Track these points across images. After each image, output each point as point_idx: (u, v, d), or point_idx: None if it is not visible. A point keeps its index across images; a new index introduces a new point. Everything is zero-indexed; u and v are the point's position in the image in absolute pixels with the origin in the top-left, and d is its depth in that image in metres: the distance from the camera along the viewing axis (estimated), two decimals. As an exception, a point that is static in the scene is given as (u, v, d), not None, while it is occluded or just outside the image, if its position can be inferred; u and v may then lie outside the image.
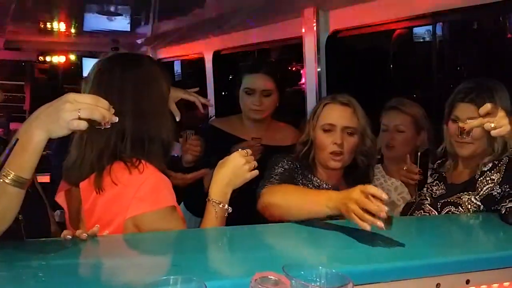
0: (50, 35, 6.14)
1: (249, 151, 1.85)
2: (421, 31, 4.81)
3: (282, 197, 1.90)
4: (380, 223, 1.52)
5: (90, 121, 1.39)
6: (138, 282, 0.96)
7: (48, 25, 5.61)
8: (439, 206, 2.11)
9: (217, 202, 1.80)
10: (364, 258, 1.42)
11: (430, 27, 4.28)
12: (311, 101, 3.70)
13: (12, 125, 8.14)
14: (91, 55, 7.54)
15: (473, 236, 1.78)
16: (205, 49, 5.49)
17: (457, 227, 1.96)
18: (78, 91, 1.87)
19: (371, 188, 1.59)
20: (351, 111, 2.20)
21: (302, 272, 1.05)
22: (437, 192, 2.20)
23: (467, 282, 1.40)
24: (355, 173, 2.24)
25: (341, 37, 3.73)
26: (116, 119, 1.45)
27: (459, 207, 2.05)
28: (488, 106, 1.83)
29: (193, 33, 5.45)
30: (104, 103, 1.42)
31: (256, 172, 1.85)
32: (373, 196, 1.56)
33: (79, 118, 1.37)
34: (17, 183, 1.39)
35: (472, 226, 2.00)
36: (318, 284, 1.05)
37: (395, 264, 1.37)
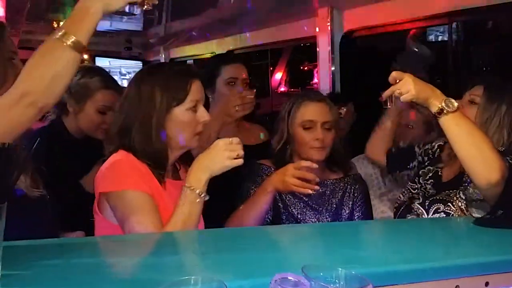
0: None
1: (235, 139, 1.78)
2: (436, 31, 4.77)
3: (237, 220, 2.15)
4: (316, 187, 2.04)
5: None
6: (158, 281, 0.95)
7: (62, 24, 5.66)
8: (427, 203, 2.06)
9: (187, 186, 1.75)
10: (383, 260, 1.41)
11: (445, 27, 4.25)
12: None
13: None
14: (104, 54, 7.61)
15: (491, 238, 1.75)
16: (218, 49, 5.50)
17: (474, 229, 1.92)
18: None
19: (303, 162, 2.08)
20: (328, 106, 2.30)
21: (321, 273, 1.04)
22: (430, 191, 2.14)
23: (486, 284, 1.38)
24: (337, 163, 2.36)
25: (355, 36, 3.72)
26: (156, 1, 1.56)
27: (449, 204, 1.99)
28: (393, 74, 1.83)
29: (206, 33, 5.47)
30: None
31: (239, 161, 1.76)
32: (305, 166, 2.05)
33: None
34: (76, 47, 1.45)
35: (489, 228, 1.96)
36: (337, 285, 1.04)
37: (414, 266, 1.35)
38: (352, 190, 2.35)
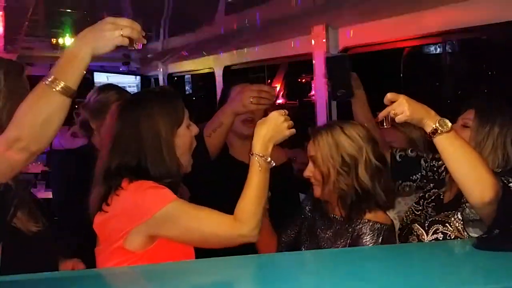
0: (62, 50, 6.19)
1: (286, 111, 1.94)
2: (432, 49, 4.80)
3: None
4: None
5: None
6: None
7: (60, 40, 5.68)
8: (426, 224, 2.06)
9: (260, 155, 1.89)
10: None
11: (440, 45, 4.27)
12: (321, 121, 3.72)
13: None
14: (102, 69, 7.64)
15: (490, 262, 1.71)
16: (215, 64, 5.52)
17: (474, 253, 1.84)
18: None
19: None
20: (312, 140, 2.14)
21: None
22: (431, 213, 2.13)
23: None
24: (346, 203, 2.09)
25: (351, 54, 3.73)
26: (145, 41, 1.63)
27: (447, 224, 1.99)
28: (388, 95, 1.86)
29: (203, 49, 5.49)
30: (138, 25, 1.59)
31: (293, 131, 1.94)
32: None
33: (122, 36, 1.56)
34: (65, 92, 1.51)
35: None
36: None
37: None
38: (360, 239, 2.03)
